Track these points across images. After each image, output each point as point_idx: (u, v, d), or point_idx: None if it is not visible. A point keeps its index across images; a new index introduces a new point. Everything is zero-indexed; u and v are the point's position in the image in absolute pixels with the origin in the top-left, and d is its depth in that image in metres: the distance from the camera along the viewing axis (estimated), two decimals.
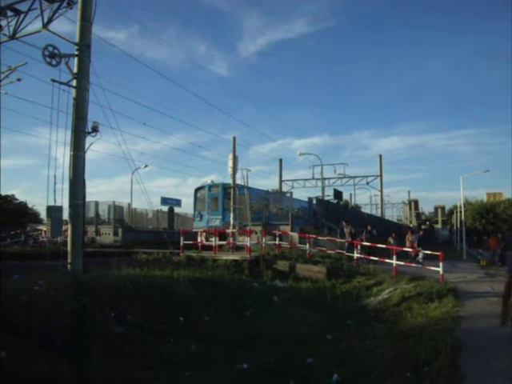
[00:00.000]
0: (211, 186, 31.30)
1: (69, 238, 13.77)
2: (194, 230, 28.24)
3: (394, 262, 18.05)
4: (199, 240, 26.78)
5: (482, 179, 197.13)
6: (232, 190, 26.86)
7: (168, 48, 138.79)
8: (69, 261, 13.44)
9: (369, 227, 24.70)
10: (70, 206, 13.70)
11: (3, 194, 60.22)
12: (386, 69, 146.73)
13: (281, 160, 57.07)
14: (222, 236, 24.42)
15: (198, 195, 31.94)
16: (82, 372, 7.07)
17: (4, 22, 14.52)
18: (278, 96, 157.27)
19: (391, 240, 24.25)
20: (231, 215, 26.93)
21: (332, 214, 37.45)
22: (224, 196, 29.93)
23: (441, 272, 16.15)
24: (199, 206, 31.59)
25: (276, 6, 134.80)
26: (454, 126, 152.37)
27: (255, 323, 12.01)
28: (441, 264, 16.26)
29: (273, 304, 14.33)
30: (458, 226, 39.62)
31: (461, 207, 34.96)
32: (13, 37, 14.41)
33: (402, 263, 18.85)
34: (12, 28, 14.40)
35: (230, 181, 27.53)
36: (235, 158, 26.63)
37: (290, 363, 8.53)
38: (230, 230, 24.43)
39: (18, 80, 16.96)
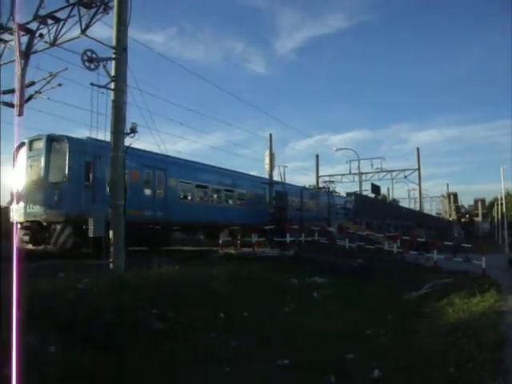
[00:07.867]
0: (32, 141, 18.36)
1: (111, 238, 14.12)
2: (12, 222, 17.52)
3: (435, 256, 17.76)
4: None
5: None
6: (270, 186, 26.79)
7: (205, 48, 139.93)
8: (111, 259, 13.79)
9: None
10: (111, 207, 14.06)
11: None
12: (424, 60, 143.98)
13: (317, 156, 56.92)
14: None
15: (18, 159, 18.68)
16: (123, 367, 7.27)
17: (45, 30, 15.01)
18: (315, 92, 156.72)
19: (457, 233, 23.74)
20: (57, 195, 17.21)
21: (370, 208, 37.00)
22: (48, 157, 17.69)
23: (483, 266, 15.81)
24: (16, 178, 18.27)
25: (311, 0, 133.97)
26: (493, 116, 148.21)
27: (295, 319, 12.02)
28: (483, 258, 15.94)
29: (312, 300, 14.31)
30: (499, 218, 38.57)
31: (502, 199, 33.97)
32: (53, 44, 14.89)
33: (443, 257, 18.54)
34: (52, 35, 14.88)
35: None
36: (272, 155, 26.65)
37: (331, 359, 8.53)
38: (268, 227, 24.44)
39: (59, 85, 17.37)
